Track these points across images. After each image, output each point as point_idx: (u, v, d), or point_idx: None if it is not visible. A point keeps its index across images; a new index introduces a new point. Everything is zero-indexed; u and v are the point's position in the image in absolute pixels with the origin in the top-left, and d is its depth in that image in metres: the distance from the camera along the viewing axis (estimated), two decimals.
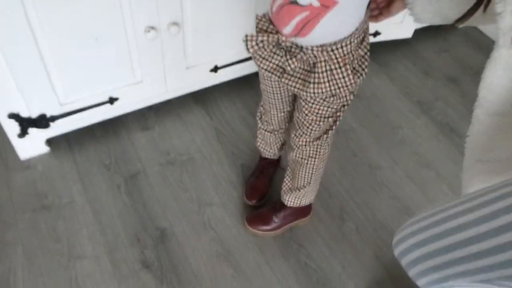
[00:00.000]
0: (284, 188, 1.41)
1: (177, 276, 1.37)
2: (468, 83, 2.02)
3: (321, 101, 1.06)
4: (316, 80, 0.99)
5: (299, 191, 1.37)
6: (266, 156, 1.54)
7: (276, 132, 1.40)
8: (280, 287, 1.37)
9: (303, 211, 1.47)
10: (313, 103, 1.07)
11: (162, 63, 1.57)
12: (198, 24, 1.53)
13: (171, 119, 1.77)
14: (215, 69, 1.70)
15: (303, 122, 1.15)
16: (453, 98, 1.95)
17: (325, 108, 1.08)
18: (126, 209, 1.50)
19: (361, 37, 0.97)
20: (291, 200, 1.41)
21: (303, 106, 1.10)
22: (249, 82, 1.86)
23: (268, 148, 1.49)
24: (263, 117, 1.37)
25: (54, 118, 1.52)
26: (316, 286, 1.38)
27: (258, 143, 1.50)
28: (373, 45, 2.09)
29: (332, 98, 1.04)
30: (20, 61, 1.32)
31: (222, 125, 1.76)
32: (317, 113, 1.10)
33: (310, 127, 1.15)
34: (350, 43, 0.94)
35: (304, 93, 1.02)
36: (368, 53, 1.02)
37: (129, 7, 1.36)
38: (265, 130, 1.40)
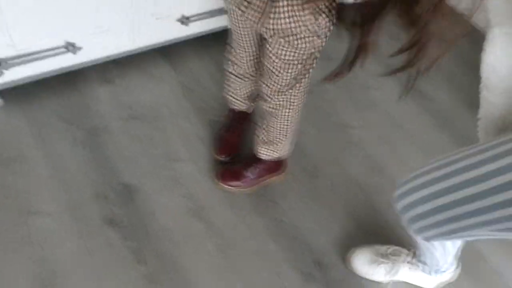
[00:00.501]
0: (258, 140, 1.36)
1: (146, 232, 1.29)
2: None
3: (283, 42, 0.99)
4: (276, 16, 0.93)
5: (275, 144, 1.32)
6: (235, 107, 1.48)
7: (244, 78, 1.33)
8: (254, 241, 1.33)
9: (277, 166, 1.43)
10: (276, 46, 1.01)
11: (130, 11, 1.46)
12: None
13: (135, 73, 1.66)
14: (185, 20, 1.60)
15: (271, 70, 1.09)
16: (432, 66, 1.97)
17: (290, 53, 1.01)
18: (88, 165, 1.40)
19: None
20: (265, 152, 1.36)
21: (268, 50, 1.04)
22: (219, 39, 1.77)
23: (237, 96, 1.42)
24: (232, 59, 1.30)
25: (7, 65, 1.38)
26: (291, 241, 1.35)
27: (226, 92, 1.43)
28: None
29: (292, 38, 0.97)
30: None
31: (189, 80, 1.68)
32: (283, 58, 1.03)
33: (280, 75, 1.08)
34: None
35: (264, 29, 0.97)
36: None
37: None
38: (234, 74, 1.33)
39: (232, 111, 1.50)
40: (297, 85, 1.14)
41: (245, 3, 0.98)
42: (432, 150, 1.63)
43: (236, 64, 1.30)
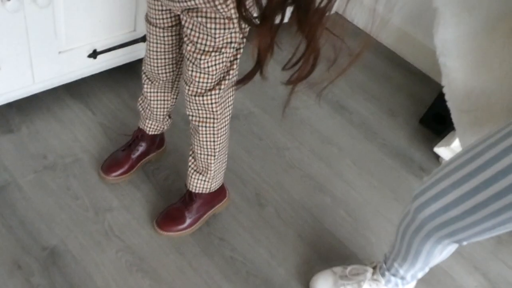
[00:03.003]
0: (189, 172, 1.24)
1: None
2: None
3: (195, 23, 0.92)
4: None
5: (205, 171, 1.21)
6: (141, 126, 1.34)
7: (157, 83, 1.20)
8: (206, 286, 1.20)
9: (217, 196, 1.32)
10: (188, 28, 0.93)
11: (27, 46, 1.27)
12: None
13: (42, 117, 1.45)
14: (94, 54, 1.44)
15: (187, 59, 0.99)
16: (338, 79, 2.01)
17: (202, 36, 0.93)
18: None
19: None
20: (198, 184, 1.24)
21: (183, 35, 0.97)
22: (133, 71, 1.64)
23: (148, 107, 1.26)
24: (146, 58, 1.17)
25: None
26: (247, 279, 1.24)
27: (139, 103, 1.29)
28: None
29: (202, 17, 0.90)
30: None
31: (108, 119, 1.51)
32: (196, 43, 0.94)
33: (199, 66, 0.98)
34: None
35: (174, 4, 0.91)
36: None
37: None
38: (146, 77, 1.20)
39: (141, 130, 1.35)
40: (218, 88, 1.03)
41: None
42: (364, 160, 1.65)
43: (149, 63, 1.16)
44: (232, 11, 0.88)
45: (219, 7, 0.86)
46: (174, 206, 1.30)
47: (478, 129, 0.85)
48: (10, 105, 1.41)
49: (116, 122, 1.51)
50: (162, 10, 1.04)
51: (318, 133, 1.72)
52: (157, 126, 1.33)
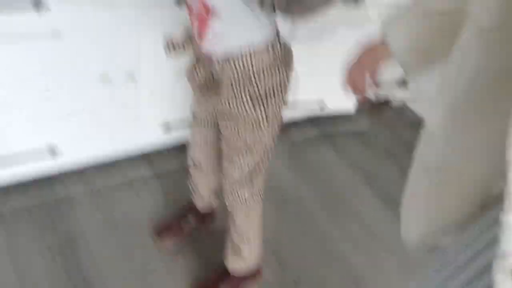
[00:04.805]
0: (226, 250, 1.35)
1: None
2: (406, 157, 2.12)
3: (229, 125, 1.07)
4: (220, 92, 1.05)
5: (240, 252, 1.32)
6: (197, 204, 1.48)
7: (200, 169, 1.37)
8: None
9: (251, 274, 1.40)
10: (224, 129, 1.10)
11: (113, 118, 1.50)
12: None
13: (116, 178, 1.66)
14: (167, 126, 1.64)
15: (225, 157, 1.15)
16: (393, 172, 2.03)
17: (235, 137, 1.08)
18: (59, 276, 1.33)
19: (266, 64, 1.00)
20: (234, 263, 1.35)
21: (221, 135, 1.13)
22: None
23: (195, 186, 1.43)
24: (191, 151, 1.36)
25: None
26: None
27: (189, 180, 1.45)
28: (319, 118, 2.18)
29: (234, 121, 1.05)
30: None
31: (170, 187, 1.68)
32: (230, 143, 1.10)
33: (232, 164, 1.13)
34: (251, 63, 0.99)
35: (215, 109, 1.09)
36: (281, 92, 1.04)
37: (82, 55, 1.31)
38: (192, 160, 1.37)
39: (192, 204, 1.49)
40: (250, 182, 1.16)
41: (202, 87, 1.12)
42: (412, 264, 1.62)
43: (194, 156, 1.35)
44: (260, 115, 1.02)
45: (249, 111, 1.02)
46: (212, 277, 1.39)
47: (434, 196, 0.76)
48: (94, 167, 1.63)
49: (176, 191, 1.67)
50: (206, 109, 1.22)
51: (367, 227, 1.73)
52: (205, 203, 1.47)
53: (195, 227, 1.51)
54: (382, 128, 2.31)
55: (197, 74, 1.14)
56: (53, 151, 1.45)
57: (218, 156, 1.32)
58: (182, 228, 1.49)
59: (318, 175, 1.92)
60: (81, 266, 1.36)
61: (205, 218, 1.52)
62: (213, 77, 1.10)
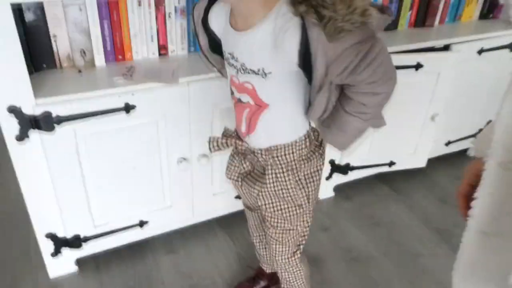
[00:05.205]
0: None
1: None
2: None
3: (274, 207, 1.16)
4: (263, 181, 1.13)
5: None
6: (260, 265, 1.59)
7: (254, 238, 1.50)
8: None
9: None
10: (267, 211, 1.18)
11: (191, 190, 1.70)
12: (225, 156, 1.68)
13: (196, 243, 1.83)
14: (239, 196, 1.81)
15: (269, 237, 1.26)
16: None
17: (279, 216, 1.18)
18: None
19: (305, 152, 1.10)
20: None
21: (266, 220, 1.22)
22: None
23: (259, 253, 1.54)
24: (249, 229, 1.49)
25: (86, 239, 1.61)
26: None
27: (255, 247, 1.56)
28: (390, 174, 2.20)
29: (279, 203, 1.15)
30: (66, 189, 1.47)
31: (244, 250, 1.81)
32: (274, 221, 1.20)
33: (274, 241, 1.25)
34: (293, 152, 1.09)
35: (255, 192, 1.16)
36: (318, 174, 1.15)
37: (165, 141, 1.54)
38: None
39: (261, 269, 1.60)
40: (294, 256, 1.30)
41: (242, 176, 1.20)
42: None
43: (252, 233, 1.49)
44: (302, 200, 1.13)
45: (292, 195, 1.13)
46: None
47: (490, 256, 0.74)
48: (176, 232, 1.83)
49: (250, 254, 1.80)
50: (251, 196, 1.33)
51: (440, 284, 1.70)
52: (271, 268, 1.57)
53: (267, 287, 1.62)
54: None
55: (238, 168, 1.22)
56: (141, 222, 1.68)
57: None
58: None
59: (389, 231, 1.93)
60: None
61: (274, 278, 1.62)
62: (253, 168, 1.20)
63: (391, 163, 2.12)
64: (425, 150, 2.13)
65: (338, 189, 2.15)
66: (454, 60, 1.93)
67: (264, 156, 1.11)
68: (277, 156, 1.09)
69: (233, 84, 1.08)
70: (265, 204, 1.17)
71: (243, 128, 1.12)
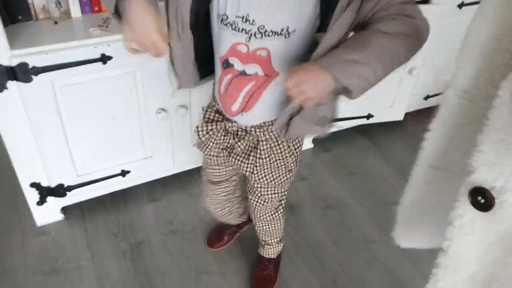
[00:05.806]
0: (259, 244, 1.56)
1: None
2: None
3: (268, 178, 1.18)
4: (258, 155, 1.13)
5: (271, 244, 1.52)
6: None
7: (217, 213, 1.46)
8: None
9: (280, 256, 1.61)
10: (260, 182, 1.19)
11: (171, 140, 1.75)
12: None
13: (177, 191, 1.91)
14: None
15: (254, 202, 1.30)
16: None
17: (272, 184, 1.20)
18: (129, 276, 1.59)
19: None
20: (271, 253, 1.55)
21: (254, 189, 1.26)
22: None
23: (218, 210, 1.45)
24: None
25: (70, 188, 1.68)
26: None
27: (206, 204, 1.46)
28: (367, 126, 2.25)
29: (273, 173, 1.17)
30: (47, 139, 1.51)
31: None
32: (264, 190, 1.24)
33: (259, 205, 1.31)
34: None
35: (247, 166, 1.15)
36: (302, 137, 1.18)
37: (143, 92, 1.57)
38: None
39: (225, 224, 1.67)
40: (275, 211, 1.36)
41: (229, 150, 1.16)
42: None
43: (210, 209, 1.47)
44: (293, 165, 1.18)
45: (284, 160, 1.16)
46: (266, 272, 1.57)
47: (440, 189, 0.75)
48: (158, 181, 1.90)
49: None
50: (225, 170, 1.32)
51: None
52: (237, 220, 1.61)
53: (239, 230, 1.70)
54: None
55: (220, 144, 1.14)
56: (124, 173, 1.74)
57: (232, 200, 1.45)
58: (228, 234, 1.70)
59: (365, 181, 2.01)
60: (146, 268, 1.61)
61: (245, 220, 1.68)
62: (237, 140, 1.12)
63: (369, 116, 2.17)
64: (403, 103, 2.18)
65: (317, 141, 2.21)
66: (433, 13, 1.93)
67: (257, 133, 1.08)
68: (271, 131, 1.08)
69: (236, 55, 0.94)
70: (259, 177, 1.18)
71: (235, 107, 1.03)
